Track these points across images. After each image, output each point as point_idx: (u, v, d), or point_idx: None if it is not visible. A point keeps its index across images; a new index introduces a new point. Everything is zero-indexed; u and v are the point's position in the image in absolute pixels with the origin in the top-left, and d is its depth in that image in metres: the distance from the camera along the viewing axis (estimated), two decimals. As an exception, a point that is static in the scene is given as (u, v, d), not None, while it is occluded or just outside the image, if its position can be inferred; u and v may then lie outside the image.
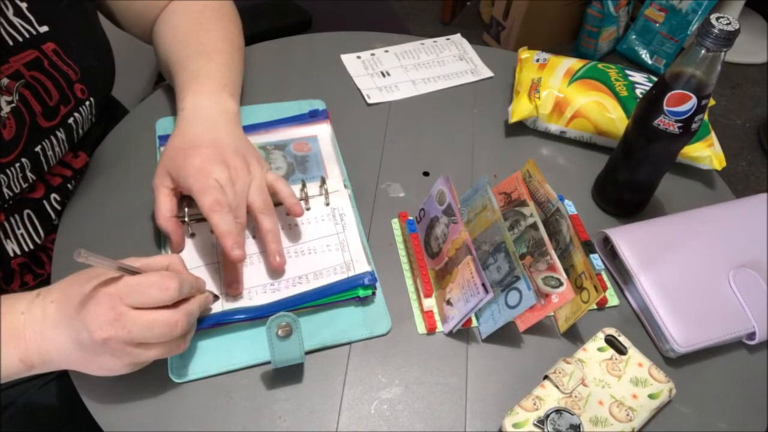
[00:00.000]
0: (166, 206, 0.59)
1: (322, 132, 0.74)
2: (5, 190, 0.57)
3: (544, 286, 0.58)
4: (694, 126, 0.60)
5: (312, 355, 0.56)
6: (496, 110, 0.81)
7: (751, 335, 0.59)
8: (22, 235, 0.61)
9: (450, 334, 0.59)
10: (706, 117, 0.69)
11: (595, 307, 0.62)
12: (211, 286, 0.59)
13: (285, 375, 0.54)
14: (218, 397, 0.53)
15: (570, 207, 0.66)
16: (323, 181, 0.67)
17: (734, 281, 0.60)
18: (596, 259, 0.58)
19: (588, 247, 0.60)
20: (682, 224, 0.65)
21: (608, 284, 0.64)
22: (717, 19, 0.53)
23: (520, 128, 0.79)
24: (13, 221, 0.60)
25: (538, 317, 0.57)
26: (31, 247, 0.62)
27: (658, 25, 2.09)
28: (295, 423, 0.52)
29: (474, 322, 0.59)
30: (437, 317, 0.59)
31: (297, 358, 0.53)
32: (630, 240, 0.63)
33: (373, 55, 0.87)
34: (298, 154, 0.72)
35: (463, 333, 0.59)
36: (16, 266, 0.63)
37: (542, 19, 2.07)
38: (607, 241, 0.64)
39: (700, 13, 1.99)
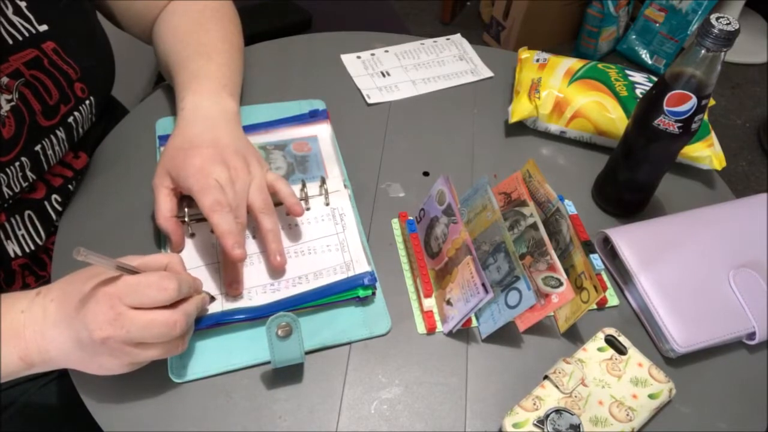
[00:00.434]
0: (166, 206, 0.59)
1: (322, 132, 0.74)
2: (5, 189, 0.57)
3: (544, 286, 0.58)
4: (694, 126, 0.60)
5: (312, 355, 0.56)
6: (496, 110, 0.81)
7: (751, 335, 0.59)
8: (23, 235, 0.61)
9: (450, 334, 0.59)
10: (706, 117, 0.69)
11: (595, 307, 0.62)
12: (211, 286, 0.59)
13: (285, 375, 0.54)
14: (218, 397, 0.53)
15: (570, 207, 0.66)
16: (323, 181, 0.67)
17: (734, 281, 0.60)
18: (596, 259, 0.58)
19: (588, 247, 0.60)
20: (682, 224, 0.65)
21: (608, 284, 0.64)
22: (717, 19, 0.53)
23: (520, 128, 0.79)
24: (13, 222, 0.60)
25: (538, 317, 0.57)
26: (32, 248, 0.62)
27: (658, 25, 2.09)
28: (295, 423, 0.52)
29: (474, 322, 0.59)
30: (437, 317, 0.59)
31: (297, 358, 0.53)
32: (630, 240, 0.63)
33: (373, 55, 0.87)
34: (298, 154, 0.72)
35: (463, 333, 0.59)
36: (17, 267, 0.63)
37: (542, 19, 2.07)
38: (607, 241, 0.64)
39: (700, 13, 1.99)
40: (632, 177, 0.67)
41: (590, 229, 0.66)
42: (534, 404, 0.52)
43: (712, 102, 0.62)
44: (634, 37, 2.16)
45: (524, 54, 0.82)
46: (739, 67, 2.20)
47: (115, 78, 0.71)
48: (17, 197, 0.59)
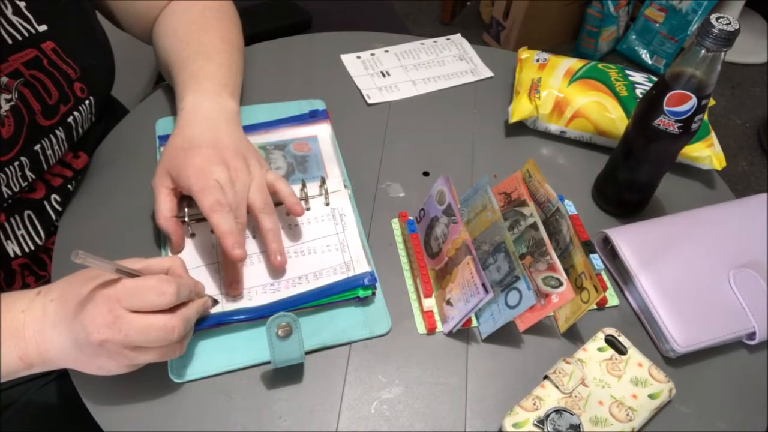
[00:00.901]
0: (166, 206, 0.59)
1: (322, 132, 0.74)
2: (4, 189, 0.57)
3: (544, 286, 0.58)
4: (694, 126, 0.60)
5: (312, 355, 0.56)
6: (496, 110, 0.81)
7: (751, 335, 0.59)
8: (22, 235, 0.61)
9: (450, 334, 0.59)
10: (706, 117, 0.69)
11: (595, 307, 0.62)
12: (211, 286, 0.59)
13: (285, 375, 0.54)
14: (218, 397, 0.53)
15: (570, 207, 0.66)
16: (323, 181, 0.67)
17: (734, 281, 0.60)
18: (596, 259, 0.58)
19: (588, 247, 0.60)
20: (682, 224, 0.65)
21: (608, 284, 0.64)
22: (717, 19, 0.53)
23: (520, 128, 0.79)
24: (13, 222, 0.60)
25: (538, 317, 0.57)
26: (32, 247, 0.62)
27: (658, 25, 2.09)
28: (295, 423, 0.52)
29: (474, 322, 0.59)
30: (437, 317, 0.59)
31: (297, 358, 0.53)
32: (630, 240, 0.63)
33: (373, 55, 0.87)
34: (298, 154, 0.72)
35: (463, 333, 0.59)
36: (17, 267, 0.63)
37: (542, 19, 2.07)
38: (607, 241, 0.64)
39: (700, 13, 1.99)
40: (632, 177, 0.67)
41: (590, 229, 0.66)
42: (534, 404, 0.52)
43: (712, 102, 0.62)
44: (634, 37, 2.16)
45: (524, 54, 0.82)
46: (739, 67, 2.19)
47: (116, 78, 0.71)
48: (16, 197, 0.59)
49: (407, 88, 0.83)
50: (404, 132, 0.77)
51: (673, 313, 0.58)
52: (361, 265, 0.61)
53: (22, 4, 0.57)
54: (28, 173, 0.59)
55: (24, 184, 0.59)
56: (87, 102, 0.65)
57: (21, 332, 0.47)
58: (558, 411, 0.51)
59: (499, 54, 0.91)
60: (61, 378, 0.67)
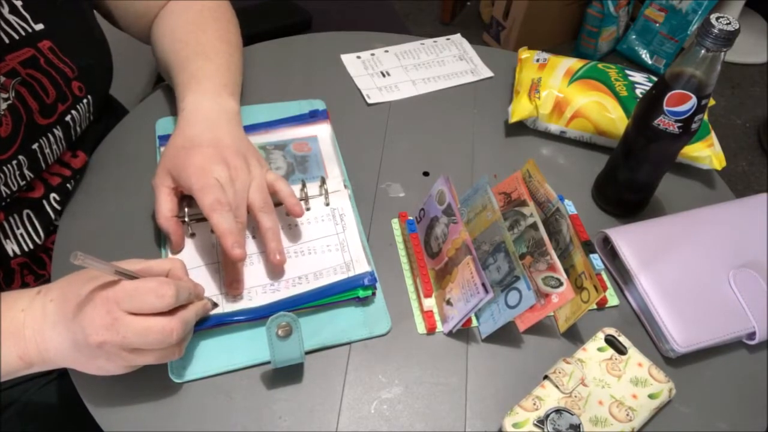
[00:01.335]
0: (166, 206, 0.59)
1: (322, 132, 0.74)
2: (2, 187, 0.57)
3: (544, 286, 0.58)
4: (694, 126, 0.60)
5: (312, 355, 0.56)
6: (496, 110, 0.81)
7: (751, 335, 0.59)
8: (21, 235, 0.61)
9: (450, 334, 0.59)
10: (706, 117, 0.69)
11: (595, 307, 0.62)
12: (211, 286, 0.59)
13: (285, 375, 0.54)
14: (218, 397, 0.53)
15: (570, 207, 0.66)
16: (323, 181, 0.67)
17: (734, 281, 0.60)
18: (596, 259, 0.58)
19: (588, 247, 0.60)
20: (682, 224, 0.65)
21: (608, 284, 0.64)
22: (717, 19, 0.53)
23: (520, 128, 0.79)
24: (12, 221, 0.60)
25: (538, 317, 0.57)
26: (31, 247, 0.62)
27: (658, 25, 2.09)
28: (295, 423, 0.52)
29: (474, 322, 0.59)
30: (437, 317, 0.59)
31: (297, 358, 0.53)
32: (630, 240, 0.63)
33: (373, 55, 0.87)
34: (298, 154, 0.72)
35: (463, 333, 0.59)
36: (16, 266, 0.63)
37: (542, 19, 2.07)
38: (607, 241, 0.64)
39: (700, 13, 1.99)
40: (632, 177, 0.67)
41: (590, 229, 0.66)
42: (534, 404, 0.52)
43: (712, 102, 0.62)
44: (634, 37, 2.16)
45: (524, 54, 0.82)
46: (739, 67, 2.19)
47: (116, 78, 0.71)
48: (15, 196, 0.59)
49: (407, 88, 0.83)
50: (404, 132, 0.77)
51: (673, 313, 0.58)
52: (361, 265, 0.61)
53: (19, 3, 0.57)
54: (26, 172, 0.59)
55: (22, 183, 0.59)
56: (85, 101, 0.65)
57: (21, 331, 0.47)
58: (558, 411, 0.51)
59: (499, 54, 0.91)
60: (61, 378, 0.67)
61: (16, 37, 0.57)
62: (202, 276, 0.59)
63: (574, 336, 0.60)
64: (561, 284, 0.56)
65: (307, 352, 0.55)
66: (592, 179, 0.73)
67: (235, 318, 0.55)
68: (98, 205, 0.66)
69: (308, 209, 0.66)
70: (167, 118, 0.74)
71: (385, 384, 0.55)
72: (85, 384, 0.52)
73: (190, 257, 0.60)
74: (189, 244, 0.61)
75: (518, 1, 2.01)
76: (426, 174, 0.73)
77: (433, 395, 0.55)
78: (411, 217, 0.66)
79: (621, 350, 0.56)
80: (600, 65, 0.78)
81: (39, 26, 0.59)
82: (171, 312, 0.48)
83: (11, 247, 0.61)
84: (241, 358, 0.55)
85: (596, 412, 0.52)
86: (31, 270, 0.65)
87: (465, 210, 0.63)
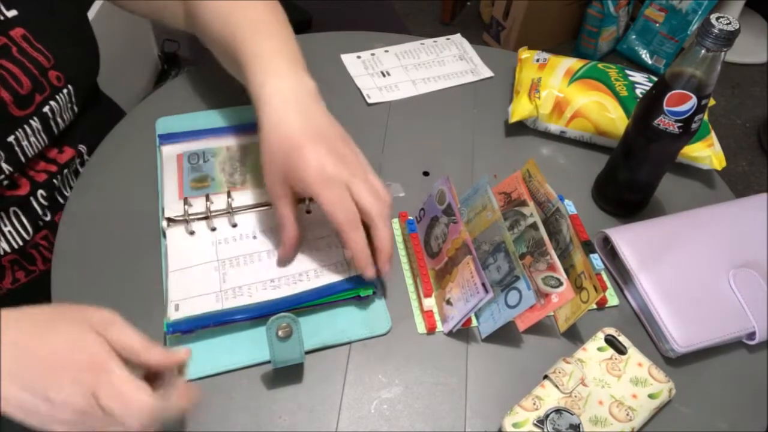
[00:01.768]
0: (291, 222, 0.56)
1: (322, 132, 0.74)
2: None
3: (544, 286, 0.58)
4: (694, 126, 0.60)
5: (312, 355, 0.56)
6: (496, 110, 0.81)
7: (751, 335, 0.59)
8: (9, 232, 0.60)
9: (450, 333, 0.59)
10: (706, 117, 0.69)
11: (595, 307, 0.62)
12: (207, 284, 0.58)
13: (285, 375, 0.54)
14: (218, 397, 0.53)
15: (570, 207, 0.66)
16: (323, 181, 0.67)
17: (734, 281, 0.60)
18: (596, 259, 0.58)
19: (588, 247, 0.60)
20: (682, 224, 0.65)
21: (608, 284, 0.64)
22: (717, 19, 0.53)
23: (520, 128, 0.79)
24: None
25: (538, 317, 0.57)
26: (20, 243, 0.61)
27: (658, 25, 2.09)
28: (295, 423, 0.52)
29: (474, 322, 0.59)
30: (437, 317, 0.59)
31: (297, 358, 0.53)
32: (630, 240, 0.63)
33: (373, 55, 0.87)
34: (298, 154, 0.71)
35: (463, 333, 0.59)
36: (7, 263, 0.62)
37: (542, 19, 2.07)
38: (607, 241, 0.64)
39: (700, 13, 1.99)
40: (632, 177, 0.67)
41: (590, 229, 0.66)
42: (534, 404, 0.52)
43: (712, 102, 0.62)
44: (634, 37, 2.16)
45: (524, 54, 0.82)
46: (739, 67, 2.20)
47: (116, 78, 0.70)
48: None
49: (407, 87, 0.83)
50: (404, 132, 0.77)
51: (673, 313, 0.58)
52: (361, 264, 0.61)
53: None
54: (4, 165, 0.58)
55: (1, 177, 0.58)
56: (65, 90, 0.62)
57: None
58: (558, 411, 0.51)
59: (499, 54, 0.91)
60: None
61: None
62: (200, 275, 0.59)
63: (574, 336, 0.60)
64: (561, 284, 0.56)
65: (307, 352, 0.55)
66: (592, 179, 0.73)
67: (235, 317, 0.55)
68: (98, 205, 0.66)
69: (308, 212, 0.65)
70: (167, 117, 0.74)
71: (385, 384, 0.55)
72: (85, 384, 0.52)
73: (190, 256, 0.60)
74: (189, 243, 0.61)
75: (518, 1, 2.01)
76: (426, 174, 0.73)
77: (433, 395, 0.55)
78: (411, 217, 0.66)
79: (621, 350, 0.56)
80: (600, 65, 0.78)
81: (12, 12, 0.56)
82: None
83: (0, 245, 0.60)
84: (241, 358, 0.55)
85: (596, 411, 0.52)
86: (22, 266, 0.64)
87: (465, 210, 0.63)
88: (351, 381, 0.55)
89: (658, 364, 0.56)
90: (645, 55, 2.15)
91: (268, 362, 0.54)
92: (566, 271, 0.59)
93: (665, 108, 0.58)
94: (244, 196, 0.65)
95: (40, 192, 0.63)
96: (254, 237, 0.63)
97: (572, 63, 0.78)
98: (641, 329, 0.61)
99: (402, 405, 0.54)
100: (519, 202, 0.62)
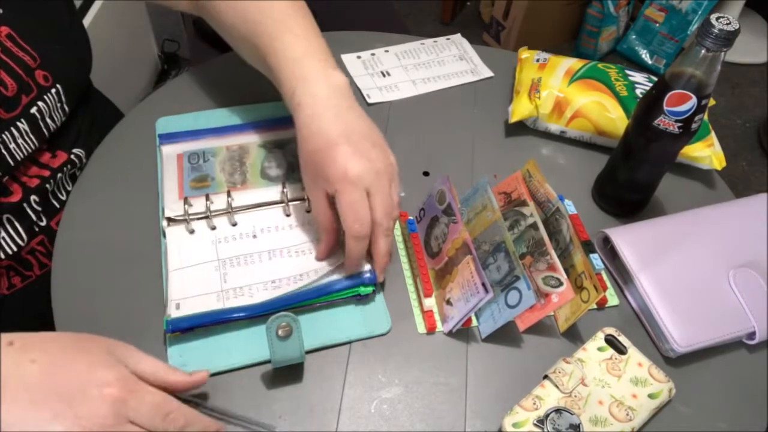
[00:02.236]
0: (326, 215, 0.57)
1: (322, 132, 0.74)
2: None
3: (544, 286, 0.58)
4: (694, 126, 0.60)
5: (312, 354, 0.56)
6: (496, 110, 0.81)
7: (751, 335, 0.59)
8: (3, 239, 0.60)
9: (450, 333, 0.59)
10: (706, 117, 0.69)
11: (595, 306, 0.62)
12: (208, 283, 0.58)
13: (285, 375, 0.54)
14: (218, 396, 0.53)
15: (570, 207, 0.66)
16: (323, 181, 0.67)
17: (734, 281, 0.60)
18: (596, 259, 0.58)
19: (588, 247, 0.60)
20: (682, 224, 0.65)
21: (608, 284, 0.64)
22: (717, 19, 0.53)
23: (520, 128, 0.79)
24: None
25: (538, 317, 0.57)
26: (15, 249, 0.61)
27: (658, 25, 2.09)
28: (295, 423, 0.52)
29: (474, 322, 0.59)
30: (437, 317, 0.59)
31: (297, 357, 0.53)
32: (630, 240, 0.63)
33: (373, 55, 0.87)
34: (298, 154, 0.71)
35: (463, 333, 0.59)
36: (2, 269, 0.62)
37: (542, 19, 2.07)
38: (607, 241, 0.64)
39: (700, 13, 1.99)
40: (632, 177, 0.67)
41: (590, 229, 0.66)
42: (534, 404, 0.52)
43: (712, 102, 0.62)
44: (634, 37, 2.16)
45: (524, 54, 0.82)
46: (739, 67, 2.20)
47: (116, 78, 0.70)
48: None
49: (407, 87, 0.83)
50: (404, 132, 0.77)
51: (673, 313, 0.58)
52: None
53: None
54: None
55: None
56: (54, 90, 0.61)
57: None
58: (558, 411, 0.51)
59: (499, 54, 0.91)
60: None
61: None
62: (201, 274, 0.59)
63: (574, 336, 0.60)
64: (561, 284, 0.56)
65: (307, 352, 0.55)
66: (592, 179, 0.73)
67: (235, 315, 0.55)
68: (98, 205, 0.66)
69: (308, 211, 0.66)
70: (167, 117, 0.74)
71: (385, 384, 0.55)
72: (85, 384, 0.52)
73: (190, 255, 0.60)
74: (189, 242, 0.61)
75: (518, 1, 2.01)
76: (426, 174, 0.73)
77: (433, 395, 0.55)
78: (411, 217, 0.66)
79: (621, 350, 0.56)
80: (600, 65, 0.78)
81: None
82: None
83: None
84: (241, 358, 0.55)
85: (596, 411, 0.52)
86: (18, 272, 0.64)
87: (465, 210, 0.63)
88: (351, 381, 0.55)
89: (658, 364, 0.56)
90: (645, 55, 2.15)
91: (268, 362, 0.54)
92: (566, 271, 0.59)
93: (665, 108, 0.58)
94: (244, 196, 0.65)
95: (33, 198, 0.62)
96: (254, 236, 0.63)
97: (572, 63, 0.78)
98: (641, 329, 0.61)
99: (402, 405, 0.54)
100: (519, 202, 0.62)
